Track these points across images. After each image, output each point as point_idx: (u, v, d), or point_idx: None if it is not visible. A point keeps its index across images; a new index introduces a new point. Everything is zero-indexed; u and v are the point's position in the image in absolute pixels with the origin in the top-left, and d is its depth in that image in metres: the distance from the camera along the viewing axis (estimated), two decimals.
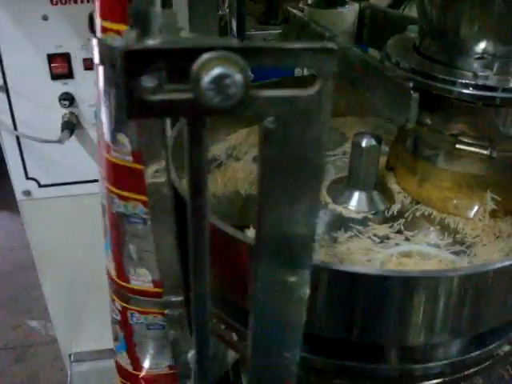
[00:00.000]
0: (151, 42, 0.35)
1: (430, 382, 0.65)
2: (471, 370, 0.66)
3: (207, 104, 0.31)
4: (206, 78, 0.31)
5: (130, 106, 0.32)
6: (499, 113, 0.67)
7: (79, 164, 1.18)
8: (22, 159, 1.15)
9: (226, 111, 0.31)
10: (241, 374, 1.05)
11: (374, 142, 0.71)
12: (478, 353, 0.64)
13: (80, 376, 1.45)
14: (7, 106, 1.08)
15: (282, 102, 0.34)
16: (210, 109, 0.31)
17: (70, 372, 1.46)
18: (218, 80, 0.31)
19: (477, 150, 0.69)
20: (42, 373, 2.00)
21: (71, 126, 1.09)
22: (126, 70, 0.31)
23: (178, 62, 0.33)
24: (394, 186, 0.78)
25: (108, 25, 0.61)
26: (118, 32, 0.59)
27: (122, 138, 0.67)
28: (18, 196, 1.18)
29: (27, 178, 1.17)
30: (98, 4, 0.61)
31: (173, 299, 0.80)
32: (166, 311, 0.81)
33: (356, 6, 0.94)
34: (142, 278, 0.82)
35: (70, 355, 1.45)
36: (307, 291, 0.39)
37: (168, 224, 0.68)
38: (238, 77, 0.31)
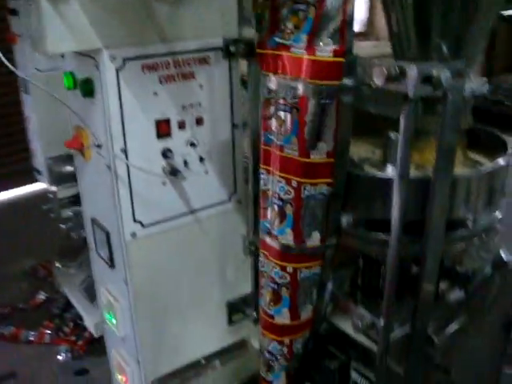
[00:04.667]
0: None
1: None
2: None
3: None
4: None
5: None
6: None
7: (171, 203, 1.63)
8: (132, 206, 1.57)
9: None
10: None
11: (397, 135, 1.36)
12: None
13: None
14: (124, 165, 1.52)
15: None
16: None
17: None
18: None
19: None
20: None
21: (175, 171, 1.56)
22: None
23: None
24: None
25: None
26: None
27: (322, 144, 1.25)
28: (127, 238, 1.58)
29: (134, 221, 1.59)
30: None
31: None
32: None
33: None
34: (314, 239, 1.34)
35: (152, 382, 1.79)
36: None
37: None
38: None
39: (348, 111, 1.28)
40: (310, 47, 1.21)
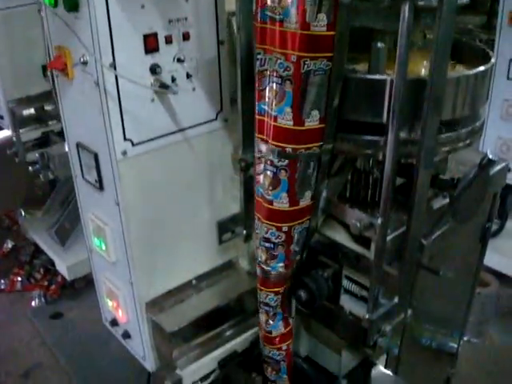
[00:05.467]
0: None
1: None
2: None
3: None
4: None
5: None
6: None
7: (160, 121, 1.63)
8: (122, 123, 1.55)
9: None
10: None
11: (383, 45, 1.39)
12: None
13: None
14: (113, 79, 1.50)
15: None
16: None
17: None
18: None
19: None
20: None
21: (165, 85, 1.55)
22: None
23: None
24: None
25: None
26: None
27: (315, 112, 1.33)
28: (118, 156, 1.57)
29: (125, 139, 1.57)
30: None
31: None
32: None
33: None
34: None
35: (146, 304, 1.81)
36: None
37: None
38: None
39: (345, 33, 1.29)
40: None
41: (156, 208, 1.71)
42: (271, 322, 1.69)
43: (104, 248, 1.79)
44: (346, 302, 1.68)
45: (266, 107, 1.38)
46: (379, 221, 1.39)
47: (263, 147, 1.42)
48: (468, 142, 1.53)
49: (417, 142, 1.36)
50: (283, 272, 1.58)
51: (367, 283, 1.57)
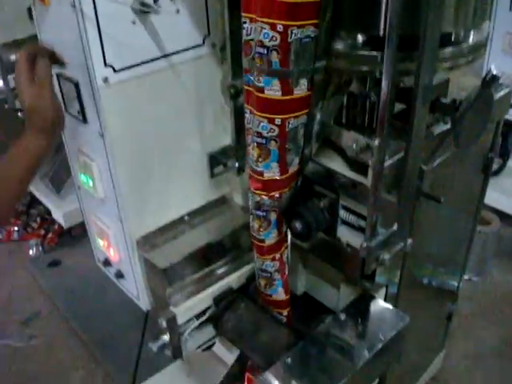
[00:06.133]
0: None
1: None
2: None
3: None
4: None
5: None
6: None
7: (142, 45, 1.51)
8: (102, 48, 1.44)
9: None
10: None
11: None
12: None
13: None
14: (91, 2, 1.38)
15: None
16: None
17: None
18: None
19: None
20: None
21: (146, 3, 1.43)
22: None
23: None
24: None
25: None
26: None
27: (303, 80, 1.29)
28: (99, 83, 1.46)
29: (105, 65, 1.46)
30: None
31: None
32: None
33: None
34: None
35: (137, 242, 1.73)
36: None
37: None
38: None
39: None
40: None
41: (143, 140, 1.61)
42: (273, 285, 1.65)
43: (91, 185, 1.71)
44: (344, 234, 1.60)
45: (252, 78, 1.33)
46: (376, 142, 1.29)
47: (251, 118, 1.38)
48: (470, 58, 1.42)
49: (415, 57, 1.25)
50: (277, 238, 1.55)
51: (365, 213, 1.48)
